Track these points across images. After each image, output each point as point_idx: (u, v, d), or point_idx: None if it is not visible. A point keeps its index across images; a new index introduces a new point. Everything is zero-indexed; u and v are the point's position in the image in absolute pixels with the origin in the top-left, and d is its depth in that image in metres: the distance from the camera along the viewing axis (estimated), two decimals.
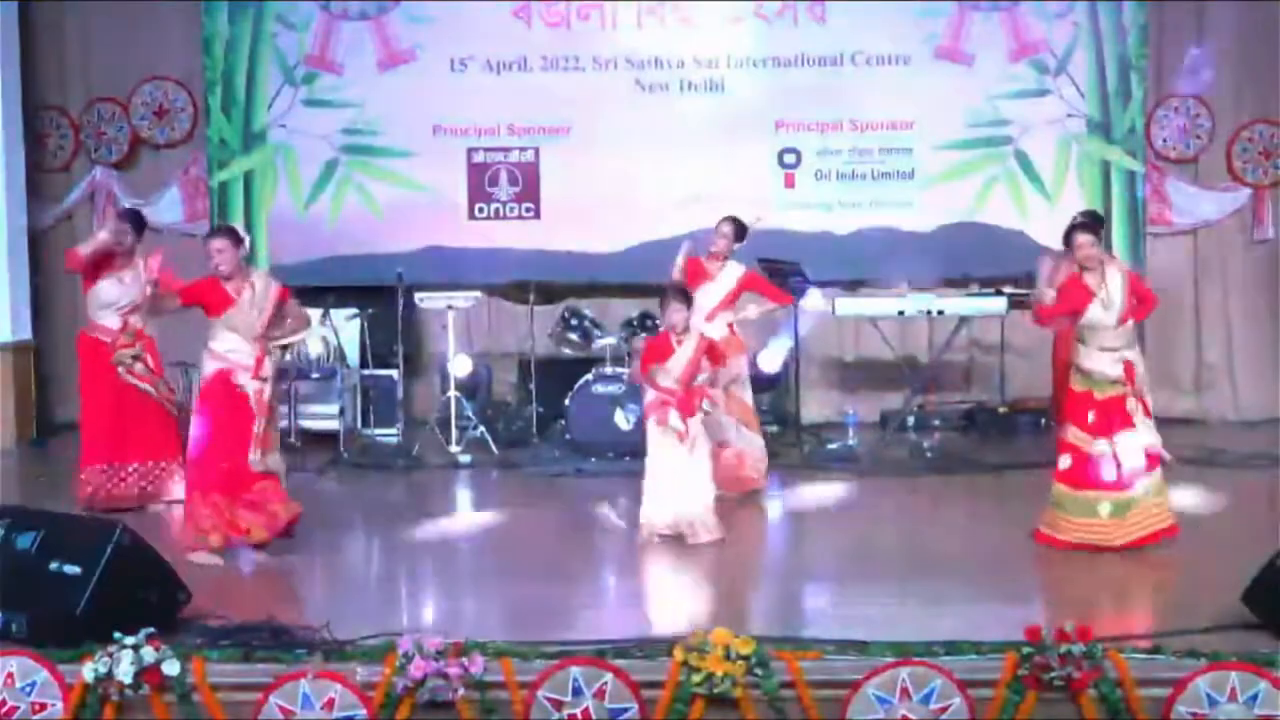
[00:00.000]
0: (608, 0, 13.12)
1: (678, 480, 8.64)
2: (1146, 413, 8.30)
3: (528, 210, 13.23)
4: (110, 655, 6.08)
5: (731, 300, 9.99)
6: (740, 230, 10.07)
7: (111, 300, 9.71)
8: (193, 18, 13.16)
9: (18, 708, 6.11)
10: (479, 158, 13.24)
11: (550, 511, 9.93)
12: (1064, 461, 8.34)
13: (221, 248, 8.37)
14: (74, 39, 13.45)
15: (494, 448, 11.61)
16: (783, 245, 12.38)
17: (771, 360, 12.20)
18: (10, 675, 6.13)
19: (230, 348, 8.36)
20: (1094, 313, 8.20)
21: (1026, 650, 6.05)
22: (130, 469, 9.72)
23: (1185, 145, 13.14)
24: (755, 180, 13.10)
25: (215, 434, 8.36)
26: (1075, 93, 13.01)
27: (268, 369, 8.41)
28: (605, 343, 11.63)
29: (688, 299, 8.95)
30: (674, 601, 7.79)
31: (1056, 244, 12.60)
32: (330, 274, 12.96)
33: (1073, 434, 8.32)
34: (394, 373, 12.06)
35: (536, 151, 13.22)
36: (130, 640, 6.12)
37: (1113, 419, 8.21)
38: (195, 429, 8.45)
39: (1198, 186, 13.17)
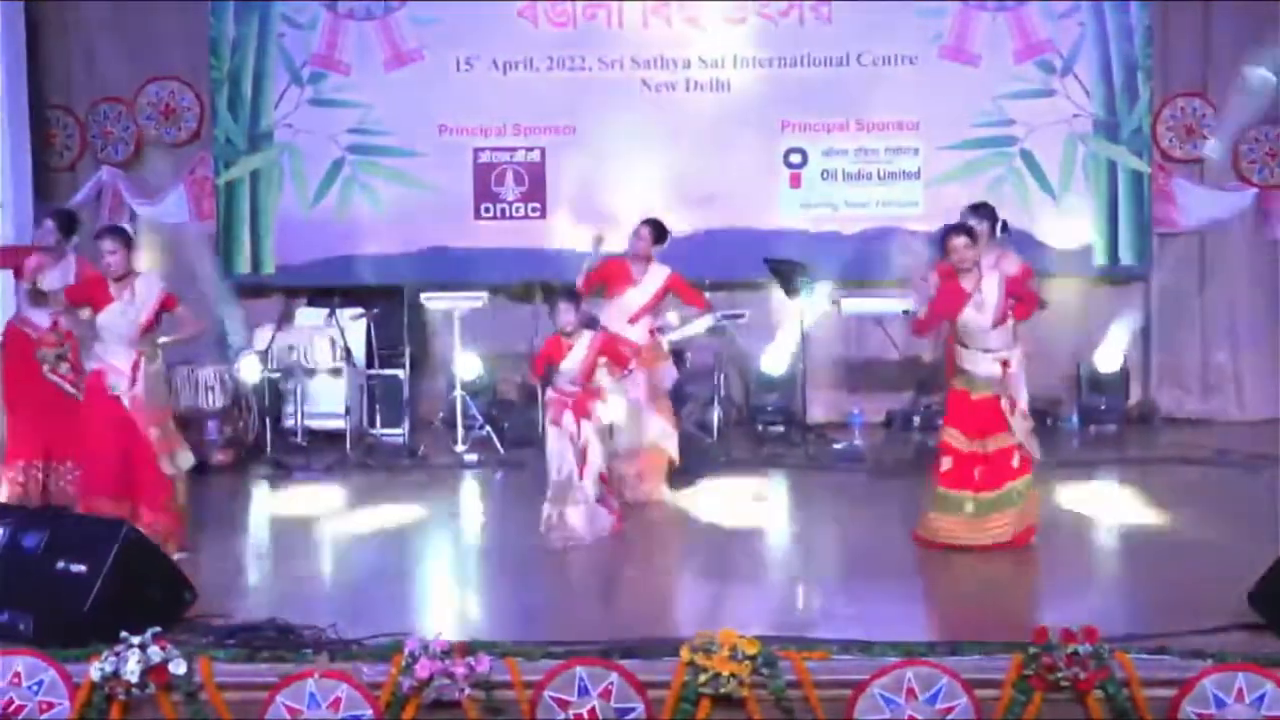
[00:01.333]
0: (613, 0, 13.12)
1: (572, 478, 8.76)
2: (1022, 414, 8.37)
3: (534, 210, 13.23)
4: (117, 654, 6.09)
5: (656, 302, 10.08)
6: (660, 232, 10.12)
7: (41, 301, 9.76)
8: (199, 17, 13.15)
9: (24, 707, 6.11)
10: (485, 157, 13.23)
11: None
12: (945, 463, 8.43)
13: (113, 249, 8.40)
14: (80, 39, 13.43)
15: (500, 447, 11.63)
16: (788, 245, 12.43)
17: (775, 362, 12.25)
18: (17, 674, 6.14)
19: (106, 350, 8.39)
20: (968, 315, 8.28)
21: (1033, 650, 6.05)
22: (62, 467, 9.68)
23: (1192, 145, 13.13)
24: (761, 180, 13.11)
25: (90, 436, 8.43)
26: (1081, 93, 12.99)
27: (143, 374, 8.38)
28: None
29: (576, 300, 9.00)
30: (680, 601, 7.79)
31: (1062, 244, 12.75)
32: (336, 274, 12.97)
33: (950, 435, 8.40)
34: (400, 372, 12.07)
35: (542, 151, 13.21)
36: (137, 639, 6.12)
37: (986, 420, 8.27)
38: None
39: (1204, 187, 13.16)
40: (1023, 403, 8.40)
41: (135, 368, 8.33)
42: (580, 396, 8.81)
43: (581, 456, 8.76)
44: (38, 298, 9.51)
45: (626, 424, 9.66)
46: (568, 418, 8.78)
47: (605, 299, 10.04)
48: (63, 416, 9.58)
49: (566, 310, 8.88)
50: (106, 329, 8.39)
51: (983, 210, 8.96)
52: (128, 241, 8.50)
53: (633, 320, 9.92)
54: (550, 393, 9.00)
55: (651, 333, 10.08)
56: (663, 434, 10.01)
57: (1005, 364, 8.28)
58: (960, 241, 8.33)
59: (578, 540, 8.71)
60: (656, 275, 10.06)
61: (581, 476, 8.78)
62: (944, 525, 8.40)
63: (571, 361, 8.82)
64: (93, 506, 8.21)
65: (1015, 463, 8.30)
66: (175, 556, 8.02)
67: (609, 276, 10.02)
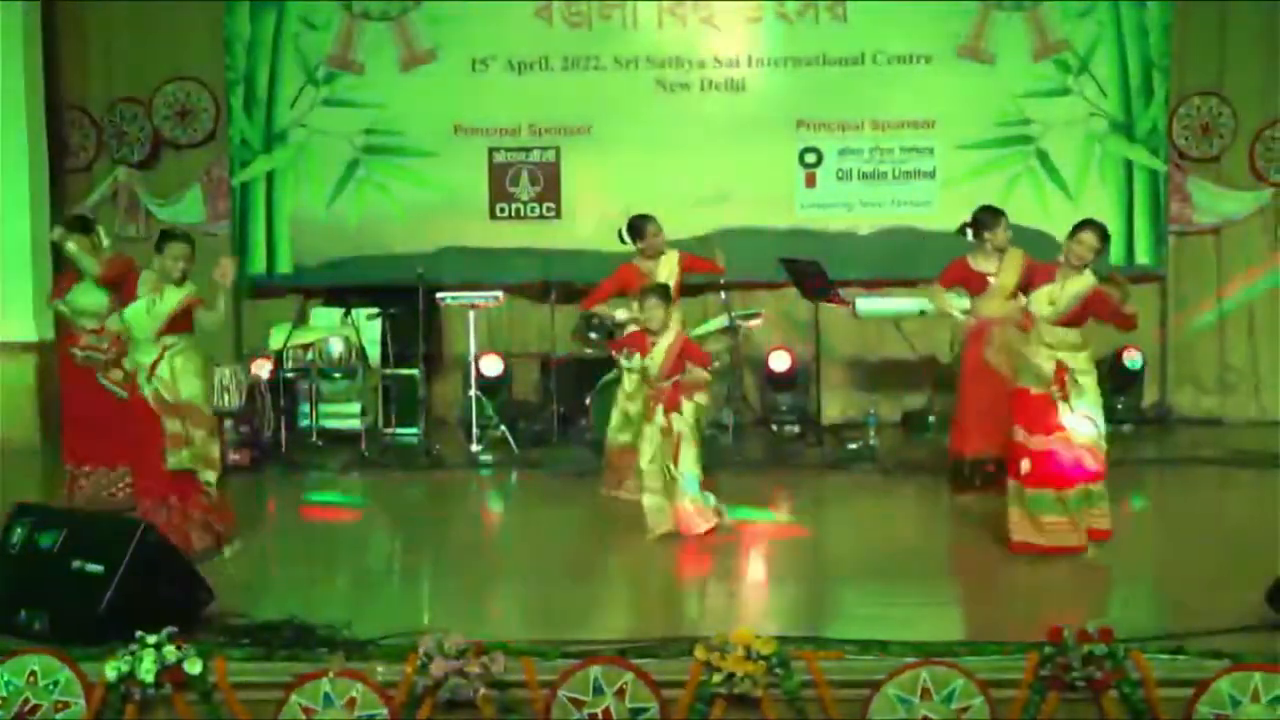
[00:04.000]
0: (629, 0, 13.12)
1: (666, 475, 8.66)
2: (1084, 417, 8.18)
3: (549, 210, 13.24)
4: (132, 654, 6.10)
5: (680, 287, 10.00)
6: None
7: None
8: (215, 18, 13.19)
9: (40, 706, 6.13)
10: (500, 157, 13.25)
11: (571, 511, 9.94)
12: (1023, 465, 8.21)
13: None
14: (96, 39, 13.48)
15: (515, 447, 11.63)
16: (804, 245, 12.42)
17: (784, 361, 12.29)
18: (33, 674, 6.16)
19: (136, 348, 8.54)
20: (1038, 301, 8.18)
21: (1048, 650, 6.04)
22: (113, 473, 9.68)
23: (1208, 144, 13.09)
24: (776, 180, 13.10)
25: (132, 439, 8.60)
26: (1098, 92, 12.98)
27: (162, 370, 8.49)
28: None
29: (666, 297, 8.91)
30: (695, 601, 7.79)
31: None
32: (352, 274, 13.00)
33: (1019, 434, 8.26)
34: (415, 372, 12.07)
35: (557, 151, 13.22)
36: (152, 639, 6.13)
37: (1044, 416, 8.16)
38: None
39: (1220, 185, 13.13)
40: (1085, 408, 8.25)
41: (154, 365, 8.35)
42: (671, 391, 8.74)
43: (675, 450, 8.70)
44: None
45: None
46: (659, 413, 8.71)
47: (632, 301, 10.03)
48: (112, 423, 9.56)
49: (656, 307, 8.73)
50: (132, 327, 8.46)
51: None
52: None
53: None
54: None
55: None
56: None
57: (1061, 366, 8.15)
58: (1090, 238, 8.20)
59: (690, 530, 8.62)
60: (670, 260, 10.04)
61: (676, 469, 8.66)
62: (1050, 524, 8.19)
63: (655, 359, 8.74)
64: (143, 509, 8.24)
65: (1090, 463, 8.16)
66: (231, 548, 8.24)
67: (625, 284, 10.00)
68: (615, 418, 9.77)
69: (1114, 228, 12.90)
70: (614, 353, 9.32)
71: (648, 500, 8.73)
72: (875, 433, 11.97)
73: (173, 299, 8.34)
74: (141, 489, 8.45)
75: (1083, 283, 8.14)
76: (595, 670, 6.06)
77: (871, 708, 6.01)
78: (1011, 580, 7.97)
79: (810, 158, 13.17)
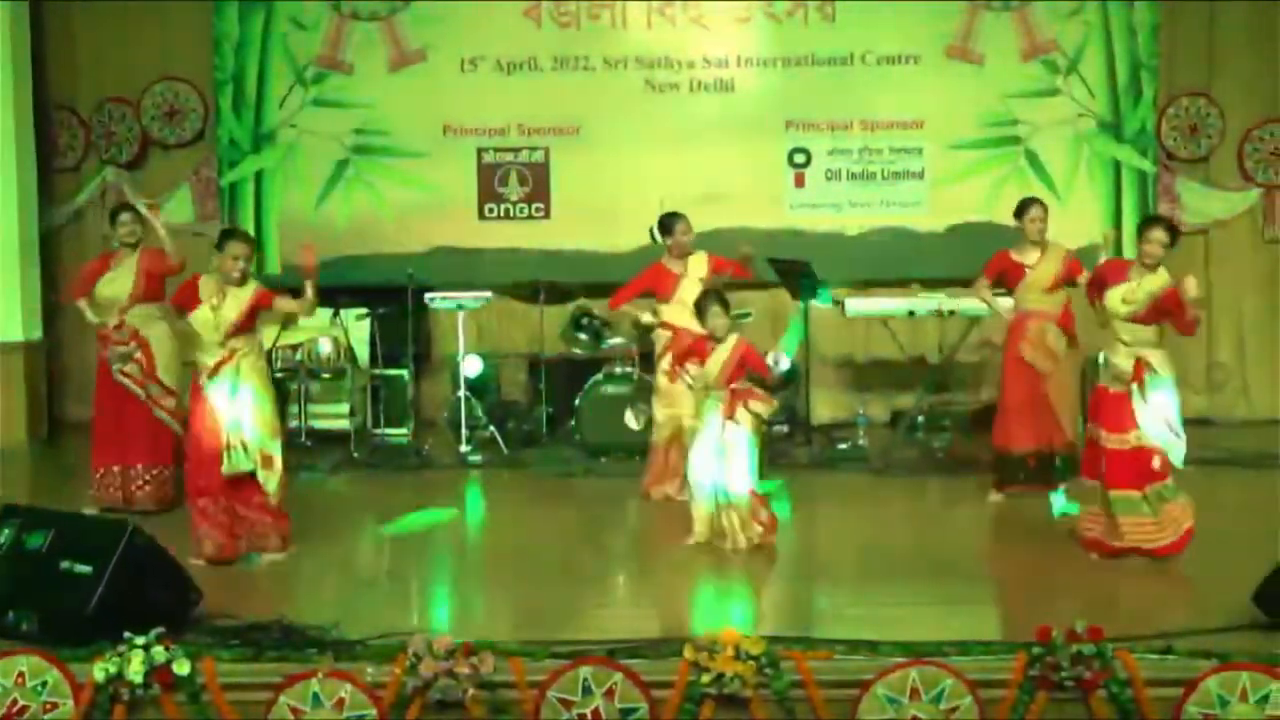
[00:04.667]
0: (617, 0, 13.12)
1: (718, 482, 8.54)
2: (1161, 418, 8.10)
3: (538, 210, 13.24)
4: (121, 655, 6.10)
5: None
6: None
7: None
8: (203, 18, 13.17)
9: (28, 707, 6.12)
10: (489, 158, 13.24)
11: (560, 511, 9.94)
12: (1101, 464, 8.15)
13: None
14: (85, 39, 13.45)
15: (504, 448, 11.62)
16: (793, 245, 12.41)
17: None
18: (21, 674, 6.15)
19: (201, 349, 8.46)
20: (1113, 300, 8.16)
21: (1037, 650, 6.05)
22: (133, 471, 9.65)
23: (1196, 145, 13.11)
24: (765, 180, 13.11)
25: (189, 438, 8.50)
26: (1086, 92, 12.99)
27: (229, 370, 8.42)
28: (615, 343, 11.65)
29: (726, 303, 8.72)
30: (684, 601, 7.78)
31: (1066, 244, 12.68)
32: (340, 274, 12.91)
33: (1098, 434, 8.20)
34: (404, 372, 12.06)
35: (546, 151, 13.22)
36: (141, 640, 6.13)
37: (1121, 416, 8.10)
38: None
39: (1208, 186, 13.15)
40: (1163, 407, 8.12)
41: (219, 366, 8.30)
42: (729, 399, 8.57)
43: (730, 460, 8.55)
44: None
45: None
46: (716, 421, 8.57)
47: (659, 302, 10.02)
48: (131, 421, 9.59)
49: (718, 314, 8.55)
50: (198, 329, 8.40)
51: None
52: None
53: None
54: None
55: None
56: None
57: (1139, 363, 8.11)
58: (1162, 237, 8.22)
59: (737, 545, 8.49)
60: (699, 261, 10.04)
61: (730, 479, 8.49)
62: (1126, 525, 8.05)
63: (714, 364, 8.55)
64: (196, 507, 8.25)
65: (1156, 464, 8.12)
66: (274, 556, 8.29)
67: (655, 284, 10.01)
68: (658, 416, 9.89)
69: (1102, 228, 12.97)
70: (686, 360, 9.12)
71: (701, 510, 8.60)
72: (864, 433, 12.00)
73: (242, 299, 8.30)
74: (194, 489, 8.35)
75: (1158, 281, 8.15)
76: (584, 671, 6.05)
77: (861, 708, 6.01)
78: (1002, 580, 7.98)
79: (799, 158, 13.17)
